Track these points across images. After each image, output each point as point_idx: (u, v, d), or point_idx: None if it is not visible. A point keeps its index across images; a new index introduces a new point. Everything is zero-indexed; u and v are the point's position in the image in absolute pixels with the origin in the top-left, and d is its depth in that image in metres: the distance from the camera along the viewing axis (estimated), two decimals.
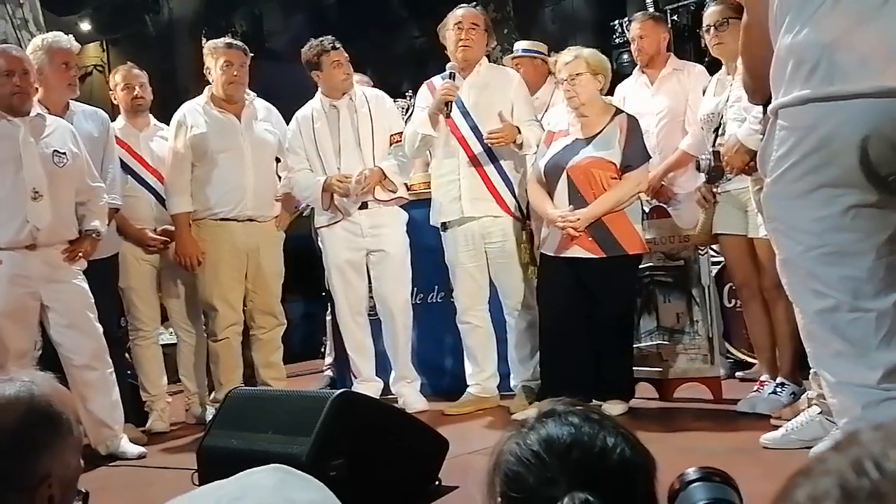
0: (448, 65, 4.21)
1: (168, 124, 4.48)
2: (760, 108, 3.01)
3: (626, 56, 7.15)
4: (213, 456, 2.70)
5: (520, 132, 4.13)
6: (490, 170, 4.19)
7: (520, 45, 5.06)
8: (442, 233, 4.33)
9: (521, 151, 4.19)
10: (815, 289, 1.57)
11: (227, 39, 4.52)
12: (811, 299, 1.59)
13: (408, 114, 4.83)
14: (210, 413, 4.28)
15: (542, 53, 4.96)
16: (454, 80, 4.16)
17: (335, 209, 4.40)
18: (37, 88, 3.74)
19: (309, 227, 4.95)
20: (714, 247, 4.19)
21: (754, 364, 4.29)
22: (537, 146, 4.11)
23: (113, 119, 4.49)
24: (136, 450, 3.80)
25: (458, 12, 4.27)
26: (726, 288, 4.58)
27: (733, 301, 4.55)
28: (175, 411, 4.63)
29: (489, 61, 4.47)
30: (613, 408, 3.84)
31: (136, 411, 4.28)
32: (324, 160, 4.38)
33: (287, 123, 4.53)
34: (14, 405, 1.30)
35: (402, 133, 4.41)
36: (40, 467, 1.30)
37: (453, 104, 4.13)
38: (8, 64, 3.58)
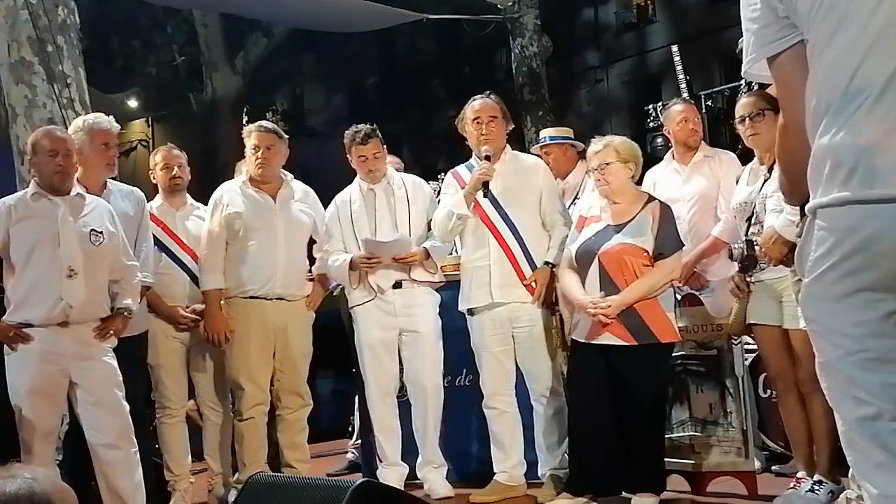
0: (483, 148, 4.24)
1: (207, 202, 4.56)
2: None
3: (659, 140, 7.22)
4: None
5: (548, 263, 4.16)
6: (520, 256, 4.19)
7: (546, 133, 5.13)
8: (468, 318, 4.31)
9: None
10: (856, 395, 1.52)
11: (262, 122, 4.60)
12: (851, 406, 1.53)
13: (437, 196, 4.88)
14: (233, 494, 4.23)
15: (570, 139, 5.04)
16: (490, 161, 4.20)
17: (368, 288, 4.40)
18: (77, 168, 3.82)
19: (339, 304, 4.96)
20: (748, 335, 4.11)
21: (791, 457, 4.16)
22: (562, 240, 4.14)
23: (152, 197, 4.59)
24: None
25: (476, 106, 4.29)
26: (761, 378, 4.47)
27: (768, 391, 4.44)
28: (198, 491, 4.58)
29: (526, 143, 4.52)
30: (644, 501, 3.75)
31: (158, 491, 4.23)
32: (360, 241, 4.41)
33: (324, 202, 4.58)
34: (14, 503, 1.29)
35: None
36: None
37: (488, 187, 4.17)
38: (52, 144, 3.68)
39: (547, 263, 4.19)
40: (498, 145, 4.28)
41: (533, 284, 4.17)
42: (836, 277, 1.51)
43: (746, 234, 3.76)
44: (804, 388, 3.64)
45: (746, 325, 3.86)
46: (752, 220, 3.74)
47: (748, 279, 3.79)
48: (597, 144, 3.96)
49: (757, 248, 3.66)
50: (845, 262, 1.49)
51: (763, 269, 3.71)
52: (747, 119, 3.75)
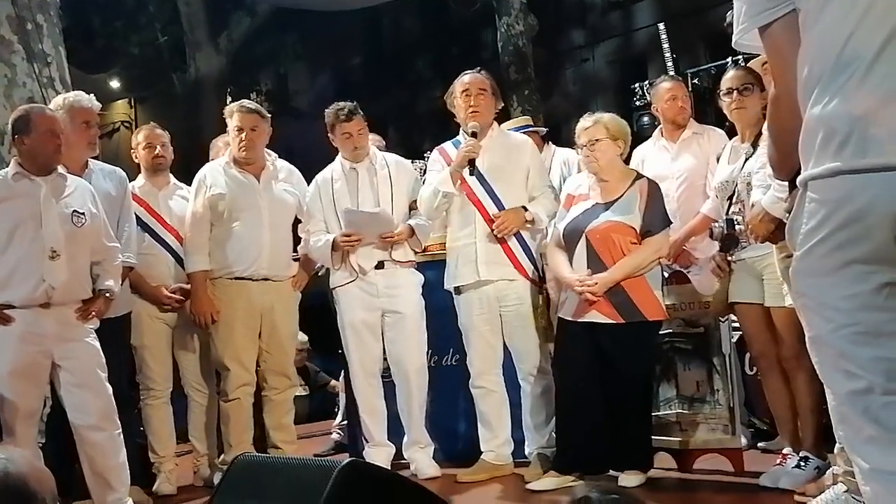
0: (469, 124, 4.21)
1: (190, 183, 4.50)
2: None
3: (645, 118, 7.22)
4: None
5: (526, 209, 4.12)
6: None
7: (505, 126, 5.12)
8: (455, 296, 4.29)
9: (534, 227, 4.17)
10: (847, 369, 1.50)
11: (244, 102, 4.52)
12: (842, 380, 1.51)
13: (422, 175, 4.84)
14: (218, 476, 4.20)
15: (530, 126, 5.07)
16: (476, 138, 4.16)
17: (350, 269, 4.37)
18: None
19: (325, 285, 4.93)
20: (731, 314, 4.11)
21: (777, 434, 4.17)
22: (551, 216, 4.10)
23: (134, 177, 4.53)
24: None
25: (465, 79, 4.27)
26: (747, 355, 4.48)
27: (755, 369, 4.44)
28: (183, 473, 4.55)
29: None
30: (631, 479, 3.76)
31: (142, 472, 4.21)
32: (341, 221, 4.37)
33: (308, 182, 4.54)
34: None
35: None
36: None
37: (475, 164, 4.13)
38: (51, 123, 3.64)
39: (524, 208, 4.15)
40: (486, 119, 4.25)
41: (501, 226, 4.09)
42: (827, 250, 1.48)
43: (727, 213, 3.75)
44: (787, 365, 3.64)
45: (728, 304, 3.85)
46: (734, 199, 3.73)
47: (729, 258, 3.78)
48: (586, 121, 3.93)
49: (738, 226, 3.65)
50: (837, 234, 1.46)
51: (744, 248, 3.69)
52: (735, 92, 3.71)
